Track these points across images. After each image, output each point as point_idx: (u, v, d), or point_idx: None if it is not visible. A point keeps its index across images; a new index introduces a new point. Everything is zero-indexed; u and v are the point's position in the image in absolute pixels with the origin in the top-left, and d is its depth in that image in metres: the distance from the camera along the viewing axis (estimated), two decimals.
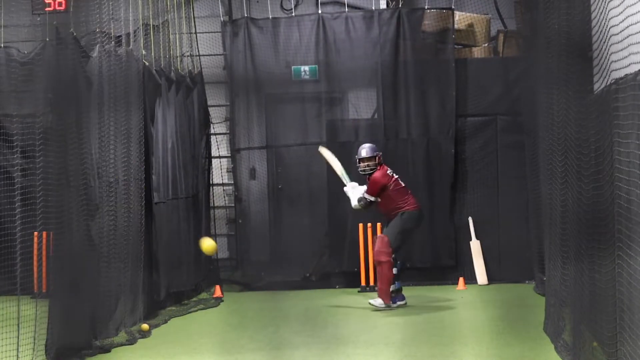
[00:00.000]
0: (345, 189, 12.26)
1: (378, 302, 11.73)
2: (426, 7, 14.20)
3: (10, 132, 13.53)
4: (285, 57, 14.41)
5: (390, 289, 11.76)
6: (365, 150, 11.97)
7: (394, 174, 11.91)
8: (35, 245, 11.80)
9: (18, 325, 8.07)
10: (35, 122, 8.90)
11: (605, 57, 6.74)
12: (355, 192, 12.09)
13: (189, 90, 13.39)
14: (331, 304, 12.63)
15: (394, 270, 11.72)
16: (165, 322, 11.16)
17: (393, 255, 11.65)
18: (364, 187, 12.02)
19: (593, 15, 7.28)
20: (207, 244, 8.65)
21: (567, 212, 8.21)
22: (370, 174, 11.89)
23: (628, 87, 5.80)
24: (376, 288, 12.25)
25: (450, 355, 9.02)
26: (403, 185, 11.92)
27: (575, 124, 7.80)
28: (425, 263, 14.06)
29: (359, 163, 11.96)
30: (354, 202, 12.07)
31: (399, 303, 11.90)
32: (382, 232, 12.25)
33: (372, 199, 11.87)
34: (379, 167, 11.89)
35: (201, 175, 13.75)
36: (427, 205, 13.83)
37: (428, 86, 14.18)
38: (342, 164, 12.51)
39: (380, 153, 12.06)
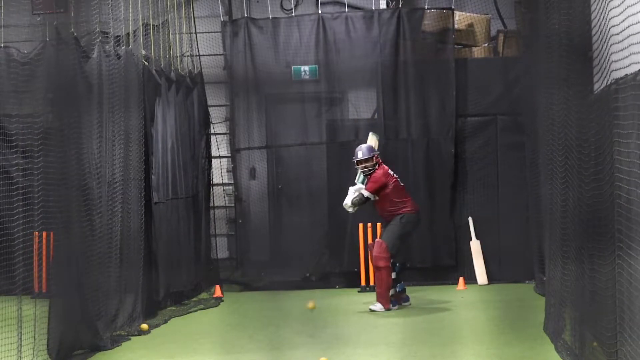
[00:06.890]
0: (350, 187, 11.87)
1: (378, 307, 11.65)
2: (426, 7, 14.19)
3: (10, 132, 13.53)
4: (285, 57, 14.39)
5: (394, 291, 11.72)
6: (362, 152, 11.72)
7: (394, 174, 11.86)
8: (36, 245, 11.80)
9: (13, 325, 8.06)
10: (35, 122, 8.89)
11: (605, 57, 6.74)
12: (353, 190, 11.78)
13: (189, 90, 13.39)
14: (331, 304, 12.63)
15: (393, 275, 11.68)
16: (165, 322, 11.15)
17: (392, 260, 11.59)
18: (362, 185, 11.76)
19: (593, 15, 7.27)
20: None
21: (568, 212, 8.21)
22: (369, 174, 11.72)
23: (628, 87, 5.80)
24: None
25: (450, 355, 9.02)
26: (402, 185, 11.86)
27: (576, 124, 7.80)
28: (425, 263, 14.05)
29: (356, 165, 11.75)
30: (348, 199, 11.70)
31: (404, 304, 11.89)
32: (381, 233, 12.03)
33: (369, 195, 11.61)
34: (378, 167, 11.72)
35: (201, 175, 13.74)
36: (427, 205, 13.82)
37: (428, 86, 14.17)
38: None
39: (378, 152, 11.85)
